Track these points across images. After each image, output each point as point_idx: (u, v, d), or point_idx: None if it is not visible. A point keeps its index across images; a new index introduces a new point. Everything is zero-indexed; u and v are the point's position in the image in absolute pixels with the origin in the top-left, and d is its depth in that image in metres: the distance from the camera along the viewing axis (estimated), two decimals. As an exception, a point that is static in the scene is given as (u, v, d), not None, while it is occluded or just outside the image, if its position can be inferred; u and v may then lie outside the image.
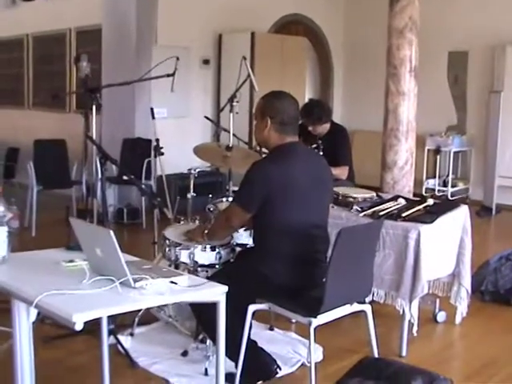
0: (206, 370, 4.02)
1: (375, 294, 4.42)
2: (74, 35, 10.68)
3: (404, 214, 4.40)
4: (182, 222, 4.58)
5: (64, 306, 2.52)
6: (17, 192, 8.74)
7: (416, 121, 5.85)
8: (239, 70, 5.17)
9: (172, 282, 2.84)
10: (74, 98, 10.87)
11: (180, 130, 9.01)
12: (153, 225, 5.69)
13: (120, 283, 2.74)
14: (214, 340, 3.82)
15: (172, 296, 2.78)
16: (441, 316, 5.01)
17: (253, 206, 3.63)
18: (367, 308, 3.75)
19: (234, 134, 5.23)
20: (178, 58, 4.57)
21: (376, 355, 3.77)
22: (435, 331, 4.95)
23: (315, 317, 3.46)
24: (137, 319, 4.58)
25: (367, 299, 4.32)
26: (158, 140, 5.57)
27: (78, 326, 2.43)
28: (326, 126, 5.89)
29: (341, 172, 5.73)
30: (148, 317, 4.67)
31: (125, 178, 7.64)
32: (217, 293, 2.90)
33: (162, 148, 5.60)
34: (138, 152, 8.21)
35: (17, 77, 12.04)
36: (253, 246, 3.98)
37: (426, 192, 10.00)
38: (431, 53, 9.60)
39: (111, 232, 2.70)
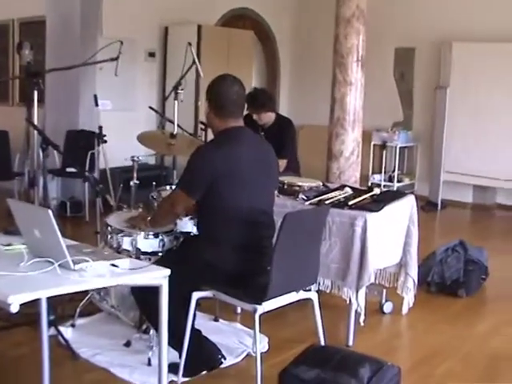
0: (149, 360, 3.93)
1: (321, 284, 4.37)
2: (18, 26, 10.43)
3: (351, 203, 4.37)
4: (124, 210, 4.48)
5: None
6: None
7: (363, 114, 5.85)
8: (184, 57, 5.06)
9: (113, 265, 2.75)
10: (17, 91, 10.63)
11: (125, 122, 8.83)
12: (96, 217, 5.58)
13: (60, 266, 2.65)
14: (157, 328, 3.75)
15: (112, 278, 2.69)
16: (387, 306, 5.00)
17: (197, 192, 3.55)
18: (313, 296, 3.70)
19: (178, 125, 5.12)
20: (121, 43, 4.44)
21: (323, 344, 3.72)
22: (382, 322, 4.93)
23: (260, 303, 3.39)
24: (78, 310, 4.47)
25: (313, 288, 4.30)
26: (101, 128, 5.44)
27: (14, 308, 2.33)
28: (271, 116, 5.86)
29: (279, 164, 5.66)
30: (90, 308, 4.55)
31: (68, 170, 7.53)
32: (159, 276, 2.82)
33: (105, 136, 5.48)
34: (82, 144, 8.03)
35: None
36: (197, 233, 3.89)
37: (372, 187, 10.05)
38: (378, 49, 9.64)
39: (50, 211, 2.60)
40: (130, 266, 2.79)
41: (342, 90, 5.44)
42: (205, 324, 4.48)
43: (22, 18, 10.16)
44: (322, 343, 3.72)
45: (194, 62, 5.01)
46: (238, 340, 4.38)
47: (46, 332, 3.47)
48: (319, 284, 4.36)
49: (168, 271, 2.83)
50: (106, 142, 5.68)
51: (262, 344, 4.29)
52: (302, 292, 3.67)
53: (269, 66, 11.56)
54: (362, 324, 4.34)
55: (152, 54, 9.44)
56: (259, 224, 3.62)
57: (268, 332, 4.41)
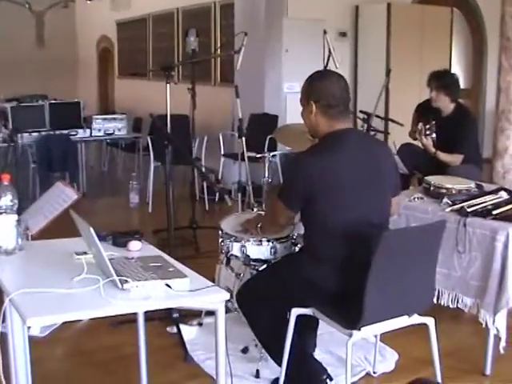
0: (257, 371, 3.74)
1: (460, 301, 3.91)
2: (219, 8, 10.60)
3: (496, 212, 3.83)
4: (255, 210, 4.30)
5: (28, 306, 2.32)
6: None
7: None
8: (323, 43, 4.74)
9: (167, 285, 2.57)
10: (219, 71, 10.80)
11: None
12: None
13: (110, 283, 2.51)
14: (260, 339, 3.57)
15: (158, 301, 2.49)
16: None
17: (295, 204, 3.26)
18: (429, 321, 3.25)
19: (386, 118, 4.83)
20: (246, 34, 4.22)
21: (439, 378, 3.26)
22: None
23: (358, 329, 3.05)
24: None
25: (452, 305, 3.89)
26: (241, 120, 5.25)
27: (34, 331, 2.23)
28: (445, 100, 5.59)
29: (453, 160, 5.48)
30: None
31: (248, 154, 7.46)
32: (215, 301, 2.58)
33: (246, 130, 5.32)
34: (264, 128, 7.95)
35: (167, 50, 12.18)
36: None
37: None
38: None
39: (91, 229, 2.47)
40: (187, 288, 2.58)
41: (508, 79, 4.78)
42: (336, 333, 4.19)
43: (222, 0, 10.30)
44: (439, 378, 3.26)
45: (330, 53, 4.66)
46: (363, 355, 4.02)
47: (143, 333, 3.37)
48: (457, 301, 3.91)
49: (226, 295, 2.59)
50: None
51: (389, 362, 3.96)
52: (415, 316, 3.26)
53: (475, 45, 10.69)
54: (502, 352, 3.79)
55: (343, 34, 9.12)
56: (368, 239, 3.18)
57: (401, 349, 4.05)
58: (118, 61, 14.83)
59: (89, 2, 14.11)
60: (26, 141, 8.38)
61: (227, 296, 2.59)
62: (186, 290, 2.56)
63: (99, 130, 9.09)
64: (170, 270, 2.74)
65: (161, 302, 2.52)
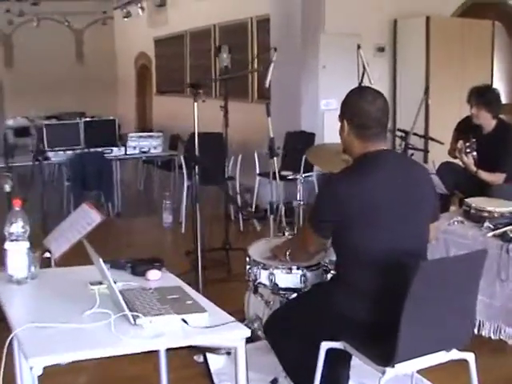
0: (286, 404, 3.54)
1: (502, 332, 3.67)
2: (255, 24, 10.47)
3: (541, 238, 3.60)
4: (286, 234, 4.11)
5: (32, 343, 2.17)
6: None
7: None
8: (357, 59, 4.56)
9: (183, 321, 2.39)
10: (256, 87, 10.66)
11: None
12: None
13: (123, 317, 2.35)
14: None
15: (173, 339, 2.33)
16: None
17: (325, 231, 3.06)
18: (469, 357, 3.02)
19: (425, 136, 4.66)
20: (275, 49, 4.07)
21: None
22: None
23: (392, 366, 2.83)
24: (234, 337, 4.18)
25: (494, 336, 3.66)
26: (272, 139, 5.06)
27: (37, 371, 2.07)
28: (487, 117, 5.37)
29: (495, 179, 5.24)
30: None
31: (283, 173, 7.29)
32: (234, 338, 2.40)
33: (278, 148, 5.14)
34: (300, 146, 7.75)
35: (204, 66, 12.09)
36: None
37: None
38: None
39: (101, 260, 2.31)
40: (205, 323, 2.40)
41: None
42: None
43: (259, 16, 10.17)
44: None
45: (364, 68, 4.47)
46: (399, 389, 3.80)
47: (164, 363, 3.22)
48: (500, 332, 3.68)
49: (247, 332, 2.40)
50: (278, 155, 5.35)
51: (423, 398, 3.73)
52: (454, 351, 3.03)
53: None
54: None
55: (381, 49, 8.89)
56: (404, 268, 2.94)
57: (439, 382, 3.81)
58: (156, 78, 14.82)
59: (126, 19, 14.11)
60: (61, 158, 8.36)
61: (248, 333, 2.41)
62: (203, 325, 2.39)
63: (134, 148, 8.99)
64: (188, 303, 2.58)
65: (175, 340, 2.36)
